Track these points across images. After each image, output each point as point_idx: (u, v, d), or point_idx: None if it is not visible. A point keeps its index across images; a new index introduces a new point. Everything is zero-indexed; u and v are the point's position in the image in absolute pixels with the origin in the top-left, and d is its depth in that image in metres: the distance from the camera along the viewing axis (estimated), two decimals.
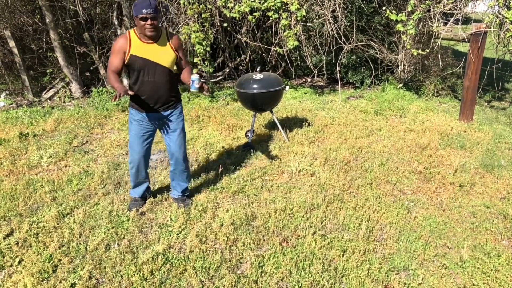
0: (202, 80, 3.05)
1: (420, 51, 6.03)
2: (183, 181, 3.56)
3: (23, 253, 2.90)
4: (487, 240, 3.06)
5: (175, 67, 3.25)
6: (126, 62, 3.03)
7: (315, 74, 7.65)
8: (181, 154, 3.41)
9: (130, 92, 2.97)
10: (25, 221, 3.29)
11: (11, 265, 2.79)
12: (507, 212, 3.41)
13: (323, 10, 6.43)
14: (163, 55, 3.07)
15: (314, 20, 6.90)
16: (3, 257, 2.86)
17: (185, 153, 3.46)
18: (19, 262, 2.82)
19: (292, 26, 6.36)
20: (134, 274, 2.68)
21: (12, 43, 7.02)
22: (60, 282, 2.62)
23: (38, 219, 3.32)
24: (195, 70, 6.71)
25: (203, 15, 6.41)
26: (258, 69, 4.86)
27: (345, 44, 6.61)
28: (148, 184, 3.58)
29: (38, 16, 7.55)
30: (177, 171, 3.50)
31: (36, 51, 7.78)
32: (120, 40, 3.02)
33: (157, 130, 3.41)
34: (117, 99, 2.78)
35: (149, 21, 2.89)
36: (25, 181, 3.98)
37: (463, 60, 6.10)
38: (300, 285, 2.60)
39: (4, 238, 3.07)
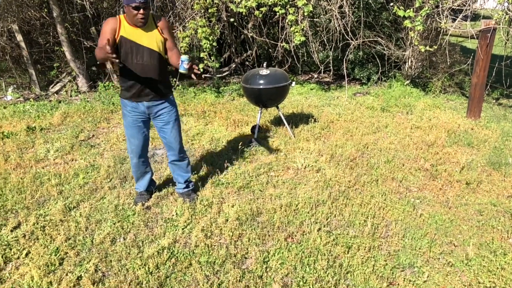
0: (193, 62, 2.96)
1: (427, 48, 5.99)
2: (184, 171, 3.56)
3: (30, 245, 2.93)
4: (493, 238, 3.04)
5: (165, 55, 3.22)
6: (116, 42, 2.99)
7: (322, 70, 7.63)
8: (178, 145, 3.41)
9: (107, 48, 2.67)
10: (32, 214, 3.32)
11: (18, 258, 2.81)
12: None
13: (330, 5, 6.40)
14: (151, 38, 3.05)
15: (321, 16, 6.87)
16: (11, 249, 2.89)
17: (182, 144, 3.45)
18: (26, 254, 2.84)
19: (299, 21, 6.33)
20: (139, 268, 2.70)
21: (19, 37, 7.05)
22: (67, 274, 2.64)
23: (45, 212, 3.35)
24: (201, 65, 6.71)
25: (209, 10, 6.40)
26: (264, 64, 4.85)
27: (352, 40, 6.58)
28: (151, 175, 3.57)
29: (46, 10, 7.57)
30: (176, 162, 3.50)
31: (43, 45, 7.81)
32: (110, 20, 2.99)
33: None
34: (108, 54, 2.64)
35: (141, 11, 2.87)
36: (32, 174, 4.01)
37: (471, 57, 6.05)
38: (305, 281, 2.61)
39: (12, 231, 3.10)
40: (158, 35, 3.08)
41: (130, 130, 3.27)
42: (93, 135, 5.20)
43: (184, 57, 2.91)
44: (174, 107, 3.34)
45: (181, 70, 2.94)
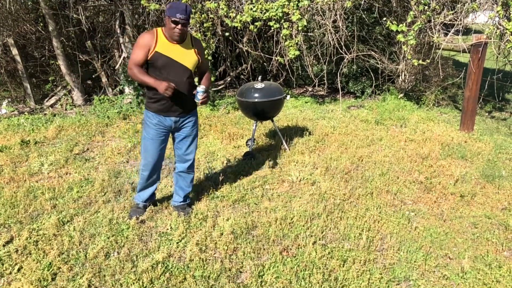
0: (206, 93, 3.11)
1: (420, 61, 6.06)
2: (187, 185, 3.56)
3: (23, 260, 2.89)
4: (488, 251, 3.05)
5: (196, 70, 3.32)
6: (149, 58, 3.04)
7: (316, 84, 7.68)
8: (192, 158, 3.48)
9: (172, 85, 2.99)
10: (25, 228, 3.28)
11: (10, 273, 2.78)
12: (508, 223, 3.40)
13: (324, 20, 6.47)
14: (186, 56, 3.13)
15: (315, 30, 6.95)
16: (3, 264, 2.85)
17: (194, 157, 3.51)
18: (19, 269, 2.81)
19: (293, 35, 6.39)
20: (133, 283, 2.67)
21: (15, 51, 7.07)
22: None
23: (38, 227, 3.32)
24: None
25: (205, 25, 6.46)
26: (259, 78, 4.88)
27: (346, 54, 6.65)
28: (154, 189, 3.56)
29: (41, 24, 7.60)
30: (183, 174, 3.52)
31: (38, 59, 7.82)
32: (147, 35, 3.06)
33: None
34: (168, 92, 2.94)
35: (179, 26, 2.95)
36: (25, 188, 3.98)
37: (464, 70, 6.13)
38: None
39: (4, 246, 3.06)
40: (194, 55, 3.17)
41: (151, 142, 3.28)
42: (88, 149, 5.19)
43: (200, 89, 3.09)
44: (197, 120, 3.42)
45: (196, 100, 3.16)
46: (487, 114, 6.83)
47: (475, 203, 3.77)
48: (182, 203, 3.59)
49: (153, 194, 3.62)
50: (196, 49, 3.19)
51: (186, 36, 3.11)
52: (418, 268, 2.86)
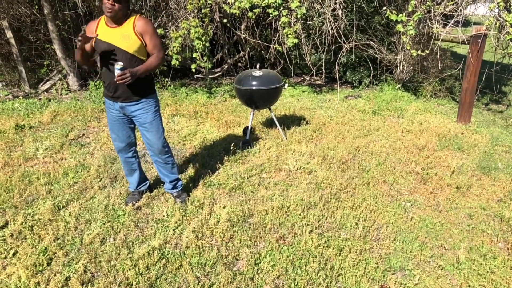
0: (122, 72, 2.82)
1: (419, 52, 6.03)
2: (169, 172, 3.49)
3: (18, 245, 2.88)
4: (483, 242, 3.06)
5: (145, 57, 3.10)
6: (93, 45, 3.02)
7: (314, 73, 7.64)
8: (154, 148, 3.31)
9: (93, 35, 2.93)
10: (20, 213, 3.26)
11: (5, 257, 2.76)
12: (504, 215, 3.42)
13: (323, 8, 6.42)
14: (125, 40, 2.95)
15: (314, 18, 6.89)
16: None
17: (161, 146, 3.32)
18: (14, 254, 2.80)
19: (292, 23, 6.34)
20: (129, 269, 2.66)
21: (9, 34, 6.96)
22: (55, 275, 2.60)
23: (33, 212, 3.30)
24: (193, 66, 6.69)
25: (203, 11, 6.38)
26: (257, 66, 4.84)
27: (345, 43, 6.60)
28: (139, 174, 3.51)
29: (36, 7, 7.49)
30: (157, 162, 3.44)
31: (33, 43, 7.71)
32: (90, 24, 3.04)
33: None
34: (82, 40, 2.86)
35: (110, 1, 2.80)
36: (20, 173, 3.95)
37: (462, 62, 6.11)
38: (296, 283, 2.60)
39: None
40: (135, 38, 2.96)
41: (110, 125, 3.27)
42: (83, 134, 5.14)
43: (117, 66, 2.82)
44: (150, 109, 3.18)
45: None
46: (484, 106, 6.83)
47: (471, 195, 3.78)
48: (174, 190, 3.55)
49: (143, 180, 3.60)
50: (137, 32, 2.95)
51: (127, 18, 2.95)
52: (413, 258, 2.88)
